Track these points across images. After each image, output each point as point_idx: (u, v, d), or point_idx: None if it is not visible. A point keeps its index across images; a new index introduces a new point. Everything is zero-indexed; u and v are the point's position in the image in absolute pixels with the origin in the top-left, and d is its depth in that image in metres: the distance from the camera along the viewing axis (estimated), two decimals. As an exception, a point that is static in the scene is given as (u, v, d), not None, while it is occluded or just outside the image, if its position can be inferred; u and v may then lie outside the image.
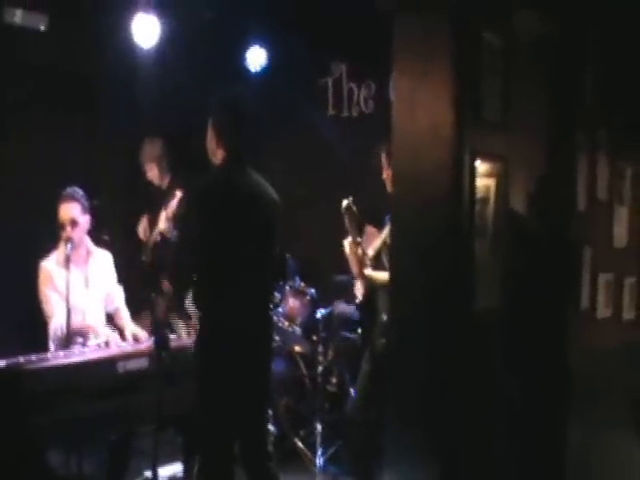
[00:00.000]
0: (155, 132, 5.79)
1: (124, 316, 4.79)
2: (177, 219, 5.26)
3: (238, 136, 3.88)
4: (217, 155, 3.88)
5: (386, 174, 4.51)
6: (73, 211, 4.51)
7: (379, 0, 4.00)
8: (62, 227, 4.51)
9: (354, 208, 4.60)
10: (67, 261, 4.39)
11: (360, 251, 4.60)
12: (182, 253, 3.97)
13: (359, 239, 4.63)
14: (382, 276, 4.33)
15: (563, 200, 3.92)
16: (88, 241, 4.69)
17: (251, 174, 3.90)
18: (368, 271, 4.60)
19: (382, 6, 3.78)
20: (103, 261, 4.77)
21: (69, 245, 4.44)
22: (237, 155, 3.87)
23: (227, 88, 4.10)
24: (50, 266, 4.50)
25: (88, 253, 4.69)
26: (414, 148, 3.38)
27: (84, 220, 4.57)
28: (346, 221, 4.60)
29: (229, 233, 3.74)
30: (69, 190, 4.59)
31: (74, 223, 4.50)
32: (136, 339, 4.54)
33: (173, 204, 5.24)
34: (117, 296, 4.84)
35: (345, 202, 4.62)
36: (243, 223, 3.78)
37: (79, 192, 4.60)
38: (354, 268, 4.67)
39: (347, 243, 4.65)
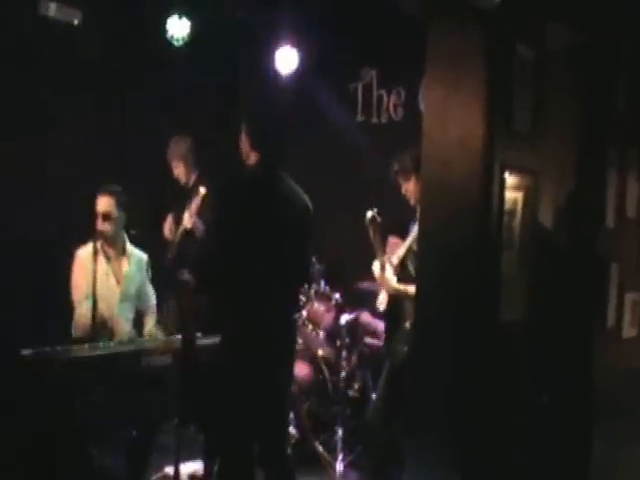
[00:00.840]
0: (183, 130, 5.83)
1: (150, 319, 4.82)
2: (201, 215, 5.29)
3: (271, 141, 3.92)
4: (251, 158, 3.92)
5: (404, 189, 4.51)
6: (108, 204, 4.58)
7: (403, 3, 4.01)
8: (97, 219, 4.58)
9: (378, 219, 4.60)
10: (96, 253, 4.46)
11: (388, 272, 4.57)
12: (209, 248, 3.98)
13: (385, 257, 4.60)
14: (410, 290, 4.32)
15: (592, 216, 3.91)
16: (125, 238, 4.75)
17: (284, 178, 3.94)
18: (395, 285, 4.56)
19: (406, 10, 3.80)
20: (138, 262, 4.82)
21: (101, 238, 4.53)
22: (271, 159, 3.91)
23: (260, 92, 4.12)
24: (84, 255, 4.55)
25: (123, 250, 4.74)
26: (444, 159, 3.39)
27: (119, 215, 4.63)
28: (370, 232, 4.60)
29: (257, 234, 3.76)
30: (107, 184, 4.68)
31: (107, 216, 4.57)
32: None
33: (197, 200, 5.27)
34: (149, 298, 4.88)
35: (370, 213, 4.61)
36: (272, 225, 3.81)
37: (117, 187, 4.68)
38: (384, 296, 4.67)
39: (376, 267, 4.64)
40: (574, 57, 3.86)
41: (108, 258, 4.64)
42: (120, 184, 4.73)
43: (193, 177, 5.78)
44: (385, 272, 4.57)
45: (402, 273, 4.57)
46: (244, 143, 3.93)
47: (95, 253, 4.45)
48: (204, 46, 5.87)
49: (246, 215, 3.77)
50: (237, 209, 3.80)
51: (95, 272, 4.37)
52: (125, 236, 4.75)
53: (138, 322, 4.79)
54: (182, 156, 5.75)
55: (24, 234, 5.18)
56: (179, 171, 5.77)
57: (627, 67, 4.00)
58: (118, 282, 4.69)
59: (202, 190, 5.26)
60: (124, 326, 4.65)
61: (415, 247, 4.30)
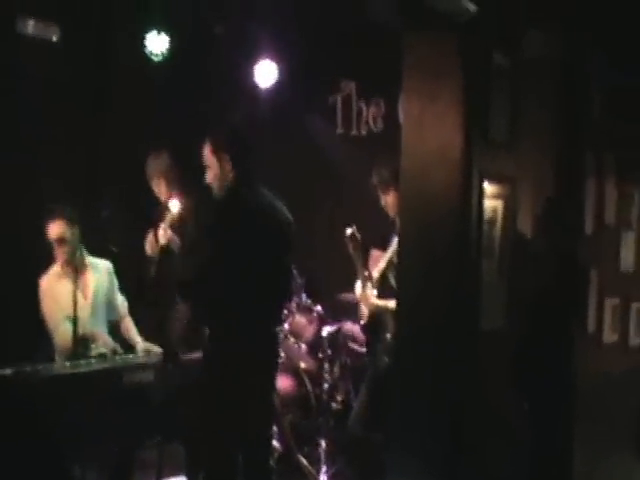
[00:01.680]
0: (161, 145, 5.78)
1: (129, 327, 4.80)
2: (177, 230, 5.26)
3: (249, 158, 3.93)
4: (229, 177, 3.90)
5: (384, 201, 4.52)
6: (59, 229, 4.54)
7: (378, 16, 4.03)
8: (53, 245, 4.55)
9: (358, 236, 4.60)
10: (59, 277, 4.51)
11: (369, 292, 4.57)
12: (198, 267, 3.94)
13: (366, 273, 4.60)
14: (390, 305, 4.32)
15: (571, 223, 3.93)
16: (84, 253, 4.70)
17: (265, 194, 3.95)
18: (376, 302, 4.57)
19: (381, 21, 3.82)
20: (102, 270, 4.79)
21: (61, 261, 4.53)
22: (250, 176, 3.93)
23: (233, 113, 4.11)
24: (48, 281, 4.57)
25: (84, 265, 4.70)
26: (422, 169, 3.40)
27: (72, 234, 4.57)
28: (350, 249, 4.60)
29: (245, 251, 3.77)
30: (53, 207, 4.60)
31: (61, 241, 4.53)
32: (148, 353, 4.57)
33: (170, 216, 5.22)
34: (120, 305, 4.86)
35: (349, 230, 4.61)
36: (258, 241, 3.82)
37: (63, 208, 4.60)
38: (364, 310, 4.68)
39: (358, 285, 4.64)
40: (551, 66, 3.89)
41: (72, 278, 4.59)
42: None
43: (173, 194, 5.72)
44: (366, 290, 4.58)
45: (383, 286, 4.57)
46: (217, 165, 3.91)
47: (57, 277, 4.48)
48: (182, 61, 5.87)
49: (236, 236, 3.76)
50: (228, 232, 3.78)
51: (60, 295, 4.39)
52: (82, 249, 4.70)
53: (115, 333, 4.76)
54: (162, 173, 5.68)
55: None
56: (159, 189, 5.70)
57: (604, 74, 4.03)
58: (85, 297, 4.65)
59: (174, 205, 5.21)
60: (101, 337, 4.62)
61: (395, 260, 4.31)
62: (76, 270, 4.57)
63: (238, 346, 3.75)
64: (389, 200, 4.47)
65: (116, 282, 4.86)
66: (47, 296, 4.56)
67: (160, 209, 5.48)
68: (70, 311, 4.34)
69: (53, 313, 4.51)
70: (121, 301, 4.88)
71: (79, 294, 4.59)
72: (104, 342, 4.57)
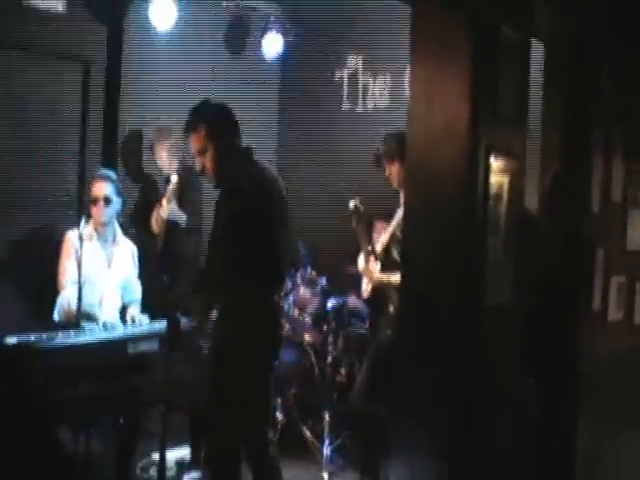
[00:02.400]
0: (166, 121, 5.77)
1: (136, 311, 4.80)
2: (180, 203, 5.26)
3: (231, 132, 3.93)
4: (231, 157, 3.88)
5: (388, 171, 4.49)
6: (107, 189, 4.59)
7: None
8: (95, 203, 4.57)
9: (361, 208, 4.59)
10: (89, 237, 4.49)
11: (372, 266, 4.57)
12: (222, 257, 3.81)
13: (369, 247, 4.59)
14: (393, 279, 4.32)
15: (577, 200, 3.91)
16: (117, 225, 4.74)
17: (265, 167, 3.96)
18: (379, 275, 4.56)
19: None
20: (128, 250, 4.81)
21: (96, 222, 4.57)
22: (249, 151, 3.92)
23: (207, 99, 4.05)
24: (74, 237, 4.49)
25: (116, 238, 4.73)
26: (429, 143, 3.38)
27: (117, 201, 4.64)
28: (353, 222, 4.59)
29: (263, 227, 3.80)
30: (105, 170, 4.74)
31: (107, 201, 4.58)
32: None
33: (172, 185, 5.22)
34: (135, 289, 4.86)
35: (352, 203, 4.60)
36: (272, 215, 3.86)
37: (114, 173, 4.74)
38: (367, 283, 4.67)
39: (361, 259, 4.63)
40: (560, 40, 3.85)
41: (103, 243, 4.64)
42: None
43: (175, 167, 5.73)
44: (369, 264, 4.57)
45: (386, 260, 4.57)
46: (225, 142, 3.88)
47: (88, 236, 4.46)
48: (189, 32, 5.84)
49: (254, 212, 3.77)
50: (247, 209, 3.77)
51: (84, 255, 4.32)
52: (117, 224, 4.74)
53: (123, 315, 4.77)
54: (165, 146, 5.70)
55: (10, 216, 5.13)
56: (162, 162, 5.71)
57: (612, 47, 3.99)
58: (109, 267, 4.67)
59: (174, 178, 5.22)
60: (112, 313, 4.63)
61: (399, 233, 4.30)
62: (108, 237, 4.59)
63: (253, 324, 3.76)
64: (393, 170, 4.45)
65: (137, 266, 4.87)
66: (69, 251, 4.52)
67: (165, 184, 5.49)
68: (90, 276, 4.35)
69: (68, 271, 4.48)
70: (138, 287, 4.89)
71: (104, 261, 4.62)
72: (109, 317, 4.58)
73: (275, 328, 3.99)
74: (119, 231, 4.76)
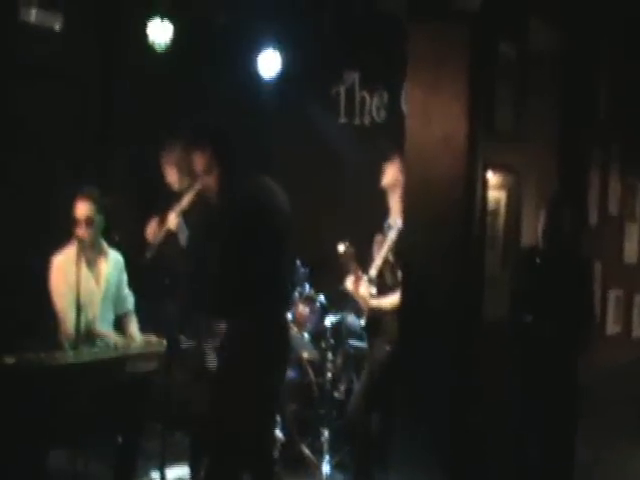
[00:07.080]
0: (170, 135, 5.79)
1: (132, 322, 4.78)
2: (186, 219, 5.26)
3: (234, 151, 3.93)
4: (236, 177, 3.88)
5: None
6: (89, 210, 4.54)
7: (385, 5, 4.02)
8: (76, 224, 4.54)
9: (351, 251, 4.58)
10: (79, 259, 4.42)
11: (363, 289, 4.55)
12: (226, 277, 3.76)
13: (360, 274, 4.57)
14: (389, 302, 4.31)
15: (574, 214, 3.92)
16: (102, 241, 4.72)
17: (271, 186, 3.94)
18: (369, 302, 4.55)
19: (387, 11, 3.80)
20: (116, 263, 4.79)
21: (82, 243, 4.49)
22: (254, 172, 3.93)
23: (207, 121, 4.07)
24: (62, 261, 4.50)
25: (101, 253, 4.71)
26: (427, 159, 3.40)
27: (99, 219, 4.60)
28: (344, 264, 4.58)
29: (269, 246, 3.78)
30: (86, 188, 4.62)
31: (89, 221, 4.54)
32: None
33: (184, 202, 5.22)
34: (128, 300, 4.85)
35: (342, 247, 4.59)
36: (277, 234, 3.83)
37: (96, 191, 4.64)
38: (360, 304, 4.66)
39: (349, 282, 4.62)
40: (557, 57, 3.87)
41: (89, 262, 4.61)
42: (102, 189, 4.70)
43: (186, 183, 5.73)
44: (359, 289, 4.55)
45: (380, 284, 4.55)
46: (230, 163, 3.87)
47: (77, 259, 4.42)
48: (186, 50, 5.87)
49: (261, 231, 3.75)
50: (254, 227, 3.75)
51: (78, 278, 4.32)
52: (102, 238, 4.71)
53: (119, 326, 4.75)
54: (175, 162, 5.71)
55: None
56: (172, 178, 5.72)
57: (610, 66, 4.02)
58: (98, 283, 4.65)
59: (188, 194, 5.22)
60: (106, 327, 4.62)
61: (391, 258, 4.29)
62: (93, 255, 4.59)
63: (262, 342, 3.74)
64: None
65: (125, 275, 4.85)
66: (59, 275, 4.51)
67: (170, 197, 5.48)
68: (81, 295, 4.33)
69: (65, 296, 4.47)
70: (128, 295, 4.88)
71: (92, 280, 4.60)
72: (106, 333, 4.56)
73: (285, 348, 3.98)
74: (104, 245, 4.73)
